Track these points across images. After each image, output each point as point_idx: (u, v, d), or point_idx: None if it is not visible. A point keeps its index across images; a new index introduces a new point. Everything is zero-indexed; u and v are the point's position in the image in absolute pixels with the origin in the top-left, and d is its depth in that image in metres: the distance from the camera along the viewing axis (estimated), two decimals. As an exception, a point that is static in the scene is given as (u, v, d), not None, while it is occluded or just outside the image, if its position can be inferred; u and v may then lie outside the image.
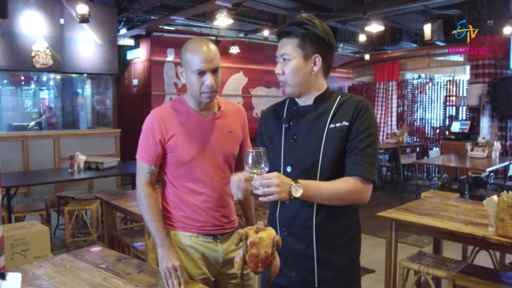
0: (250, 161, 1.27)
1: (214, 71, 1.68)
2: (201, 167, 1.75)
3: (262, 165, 1.26)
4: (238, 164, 1.90)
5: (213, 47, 1.69)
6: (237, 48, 9.12)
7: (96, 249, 2.03)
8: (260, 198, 1.27)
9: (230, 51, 9.26)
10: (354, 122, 1.45)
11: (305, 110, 1.54)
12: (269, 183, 1.26)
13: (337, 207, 1.47)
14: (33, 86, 7.46)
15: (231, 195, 1.87)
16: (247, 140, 1.92)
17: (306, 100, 1.54)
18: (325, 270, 1.49)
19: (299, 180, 1.32)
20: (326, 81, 1.57)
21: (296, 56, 1.47)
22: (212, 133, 1.77)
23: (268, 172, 1.29)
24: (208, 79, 1.66)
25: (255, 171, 1.26)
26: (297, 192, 1.30)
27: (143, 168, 1.78)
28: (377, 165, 1.47)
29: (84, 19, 4.96)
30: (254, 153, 1.27)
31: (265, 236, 1.13)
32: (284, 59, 1.49)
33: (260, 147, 1.29)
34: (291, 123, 1.54)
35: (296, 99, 1.57)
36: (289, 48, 1.48)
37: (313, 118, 1.50)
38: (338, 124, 1.46)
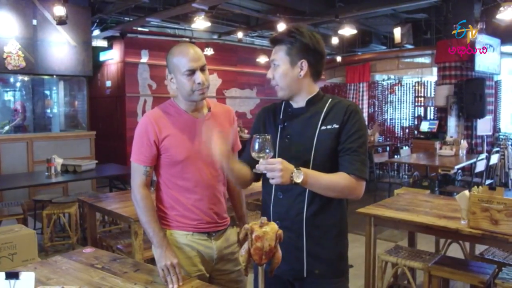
0: (256, 146, 1.37)
1: (203, 68, 1.78)
2: (194, 166, 1.81)
3: (267, 151, 1.36)
4: None
5: (196, 47, 1.79)
6: (211, 49, 9.14)
7: (89, 250, 2.06)
8: (270, 181, 1.40)
9: (204, 53, 9.26)
10: (344, 125, 1.56)
11: (298, 112, 1.64)
12: (273, 168, 1.37)
13: (328, 203, 1.58)
14: (4, 88, 7.27)
15: (223, 193, 1.95)
16: (237, 139, 2.01)
17: (299, 102, 1.65)
18: (314, 262, 1.59)
19: (301, 168, 1.43)
20: (317, 85, 1.68)
21: (284, 62, 1.60)
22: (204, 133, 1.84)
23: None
24: (199, 76, 1.75)
25: (261, 155, 1.36)
26: (298, 178, 1.41)
27: (138, 170, 1.82)
28: (368, 164, 1.58)
29: (61, 21, 4.89)
30: (260, 139, 1.36)
31: (269, 230, 1.22)
32: (274, 65, 1.62)
33: (266, 134, 1.39)
34: (285, 124, 1.65)
35: (290, 101, 1.68)
36: (278, 55, 1.61)
37: (305, 119, 1.61)
38: (329, 126, 1.57)
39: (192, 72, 1.74)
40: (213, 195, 1.87)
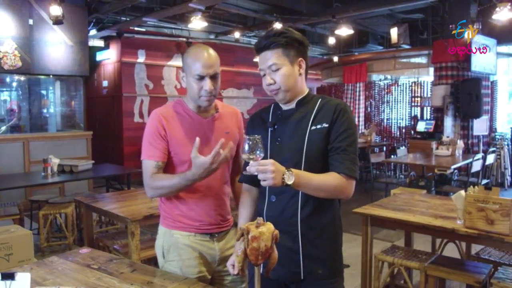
0: (247, 148, 1.35)
1: (213, 76, 1.75)
2: None
3: (258, 152, 1.35)
4: (234, 164, 1.98)
5: (213, 53, 1.76)
6: (208, 49, 9.12)
7: (85, 250, 2.05)
8: (262, 183, 1.38)
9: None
10: (334, 125, 1.55)
11: (289, 114, 1.63)
12: (265, 169, 1.35)
13: (321, 204, 1.57)
14: (1, 88, 7.24)
15: (228, 194, 1.95)
16: (242, 141, 2.00)
17: (289, 104, 1.65)
18: (310, 263, 1.58)
19: (292, 169, 1.42)
20: (306, 84, 1.68)
21: (284, 63, 1.57)
22: (211, 133, 1.84)
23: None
24: (207, 84, 1.73)
25: (251, 157, 1.35)
26: (290, 179, 1.39)
27: (150, 165, 1.76)
28: (358, 163, 1.58)
29: (58, 21, 4.88)
30: (250, 140, 1.35)
31: (265, 230, 1.22)
32: (273, 70, 1.57)
33: (256, 135, 1.37)
34: (275, 126, 1.64)
35: (280, 103, 1.67)
36: (275, 58, 1.57)
37: (296, 120, 1.60)
38: (319, 126, 1.56)
39: (201, 77, 1.73)
40: (217, 196, 1.86)
